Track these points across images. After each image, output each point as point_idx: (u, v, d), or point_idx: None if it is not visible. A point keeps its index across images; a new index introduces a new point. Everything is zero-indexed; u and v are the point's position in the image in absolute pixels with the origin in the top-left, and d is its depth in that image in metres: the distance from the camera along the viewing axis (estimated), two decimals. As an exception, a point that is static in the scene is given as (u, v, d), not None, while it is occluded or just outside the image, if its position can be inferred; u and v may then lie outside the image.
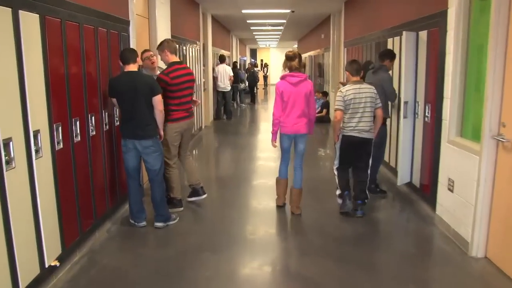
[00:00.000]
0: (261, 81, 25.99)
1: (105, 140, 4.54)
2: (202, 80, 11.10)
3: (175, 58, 5.03)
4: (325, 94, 13.10)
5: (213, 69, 12.88)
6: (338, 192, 5.15)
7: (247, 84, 18.89)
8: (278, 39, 26.45)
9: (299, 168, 5.04)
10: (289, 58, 4.81)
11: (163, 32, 6.95)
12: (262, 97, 22.96)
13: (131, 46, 5.35)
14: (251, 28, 17.22)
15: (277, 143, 5.11)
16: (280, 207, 5.25)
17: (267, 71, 31.21)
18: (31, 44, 3.11)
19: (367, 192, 5.00)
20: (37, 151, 3.19)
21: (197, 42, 10.43)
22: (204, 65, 11.61)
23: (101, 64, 4.41)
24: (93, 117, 4.22)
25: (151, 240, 4.47)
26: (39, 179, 3.19)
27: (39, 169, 3.20)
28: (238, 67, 20.14)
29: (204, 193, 5.46)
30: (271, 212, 5.25)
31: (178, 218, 4.85)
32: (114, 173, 4.81)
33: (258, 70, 24.34)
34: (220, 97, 13.16)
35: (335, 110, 4.83)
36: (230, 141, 10.33)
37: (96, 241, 4.28)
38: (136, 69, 4.44)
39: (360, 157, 4.90)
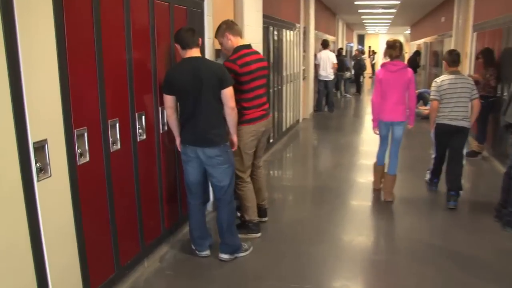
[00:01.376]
0: (368, 69, 24.09)
1: (161, 144, 3.56)
2: (302, 67, 9.90)
3: (242, 41, 3.92)
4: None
5: (315, 56, 11.60)
6: (427, 178, 5.50)
7: (352, 73, 17.33)
8: (388, 24, 24.27)
9: (394, 155, 5.06)
10: (390, 46, 4.87)
11: (252, 10, 5.85)
12: (368, 86, 21.15)
13: (206, 26, 4.32)
14: (359, 11, 15.57)
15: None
16: (376, 190, 5.33)
17: (374, 59, 29.05)
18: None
19: (461, 183, 4.91)
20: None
21: (296, 25, 9.23)
22: (304, 51, 10.40)
23: (157, 49, 3.40)
24: (142, 117, 3.25)
25: (212, 280, 3.40)
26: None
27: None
28: (344, 54, 18.61)
29: (266, 216, 4.35)
30: (368, 252, 3.99)
31: (251, 248, 3.75)
32: (174, 186, 3.83)
33: (365, 58, 22.50)
34: (322, 87, 11.85)
35: (430, 100, 4.99)
36: (330, 139, 9.03)
37: (143, 273, 3.32)
38: (199, 54, 3.38)
39: (453, 146, 4.92)
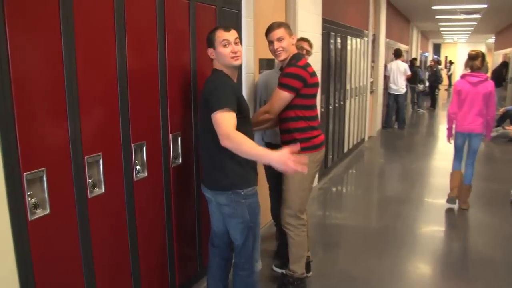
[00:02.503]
0: (444, 81, 22.30)
1: (173, 180, 2.75)
2: (370, 80, 8.84)
3: (296, 50, 3.15)
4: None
5: (385, 66, 10.46)
6: None
7: (427, 85, 15.87)
8: (469, 32, 22.37)
9: (470, 165, 5.07)
10: (471, 57, 4.80)
11: (308, 13, 4.96)
12: (444, 99, 19.44)
13: (245, 32, 3.48)
14: (437, 17, 14.16)
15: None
16: (451, 200, 5.18)
17: (451, 70, 27.02)
18: None
19: None
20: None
21: (365, 32, 8.20)
22: (373, 62, 9.32)
23: (168, 55, 2.60)
24: (143, 148, 2.46)
25: None
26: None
27: None
28: (418, 65, 17.16)
29: (310, 271, 3.44)
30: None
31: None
32: (192, 230, 3.00)
33: (441, 68, 20.80)
34: (392, 101, 10.67)
35: None
36: (398, 164, 7.86)
37: None
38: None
39: None
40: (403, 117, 10.87)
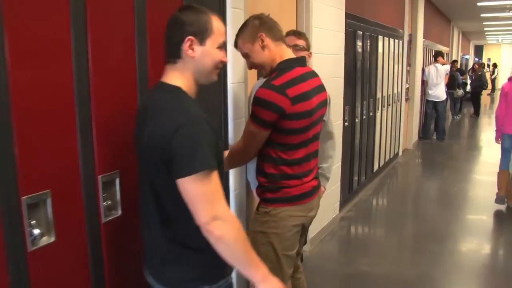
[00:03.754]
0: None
1: (106, 243, 1.85)
2: (405, 86, 7.76)
3: (288, 52, 2.08)
4: None
5: (422, 71, 9.34)
6: None
7: (467, 89, 14.53)
8: (516, 32, 20.77)
9: None
10: None
11: (326, 5, 4.00)
12: (487, 105, 17.98)
13: (230, 28, 2.55)
14: (482, 15, 12.86)
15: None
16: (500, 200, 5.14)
17: (494, 73, 25.29)
18: None
19: None
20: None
21: (400, 31, 7.15)
22: (409, 65, 8.24)
23: (93, 58, 1.71)
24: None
25: None
26: None
27: None
28: (458, 67, 15.85)
29: None
30: None
31: None
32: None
33: (486, 71, 19.31)
34: (430, 109, 9.52)
35: None
36: (437, 184, 6.75)
37: None
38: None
39: None
40: (443, 127, 9.70)
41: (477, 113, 14.33)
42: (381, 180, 6.42)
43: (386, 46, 6.15)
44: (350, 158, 5.04)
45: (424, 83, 9.39)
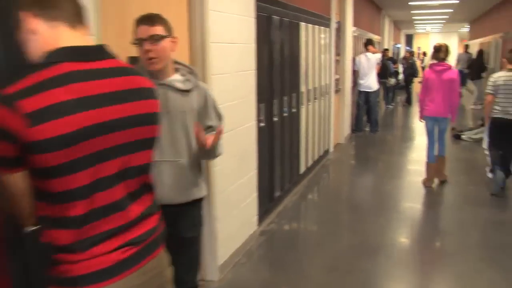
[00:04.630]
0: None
1: None
2: (334, 77, 7.23)
3: (78, 37, 1.26)
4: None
5: (353, 60, 8.89)
6: (488, 169, 5.73)
7: (401, 78, 14.41)
8: (443, 21, 21.08)
9: (442, 141, 5.52)
10: (437, 50, 5.44)
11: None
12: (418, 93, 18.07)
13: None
14: (410, 3, 12.68)
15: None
16: (427, 188, 5.52)
17: (424, 61, 25.77)
18: None
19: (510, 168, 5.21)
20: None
21: (326, 18, 6.58)
22: (338, 55, 7.73)
23: None
24: None
25: None
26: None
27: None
28: (390, 56, 15.71)
29: None
30: None
31: None
32: None
33: (416, 60, 19.42)
34: (362, 101, 9.11)
35: (485, 94, 5.34)
36: (371, 182, 6.31)
37: None
38: None
39: (507, 139, 5.14)
40: (376, 118, 9.33)
41: (409, 101, 14.24)
42: (310, 182, 5.84)
43: (310, 34, 5.55)
44: (269, 163, 4.39)
45: (355, 73, 8.95)
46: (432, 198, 5.53)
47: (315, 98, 5.90)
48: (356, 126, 9.24)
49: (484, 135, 5.78)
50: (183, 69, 2.21)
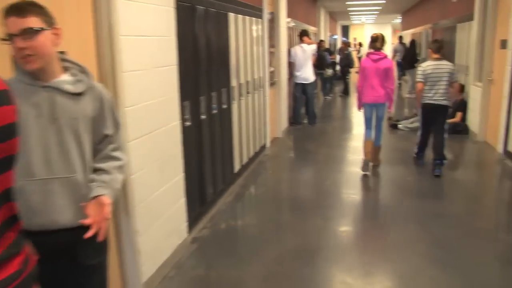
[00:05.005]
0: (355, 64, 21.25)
1: None
2: (269, 70, 7.01)
3: None
4: (461, 88, 8.39)
5: (288, 52, 8.72)
6: (415, 152, 6.23)
7: (338, 69, 14.49)
8: (377, 12, 21.49)
9: (379, 130, 5.82)
10: (373, 40, 5.71)
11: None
12: (356, 83, 18.29)
13: None
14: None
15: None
16: (365, 167, 5.79)
17: (360, 52, 26.24)
18: None
19: (444, 153, 5.64)
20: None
21: (258, 9, 6.33)
22: (272, 47, 7.51)
23: None
24: None
25: None
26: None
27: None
28: (327, 47, 15.76)
29: None
30: None
31: None
32: None
33: (352, 51, 19.65)
34: (299, 93, 8.98)
35: (416, 82, 5.72)
36: (309, 177, 6.17)
37: None
38: None
39: (437, 122, 5.63)
40: (313, 110, 9.23)
41: (346, 92, 14.34)
42: (246, 180, 5.59)
43: (240, 26, 5.27)
44: (198, 164, 4.09)
45: (291, 65, 8.79)
46: (371, 192, 5.46)
47: (248, 93, 5.64)
48: (294, 119, 9.10)
49: (419, 123, 6.01)
50: (74, 68, 1.86)
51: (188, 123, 3.77)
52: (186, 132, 3.73)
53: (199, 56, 4.05)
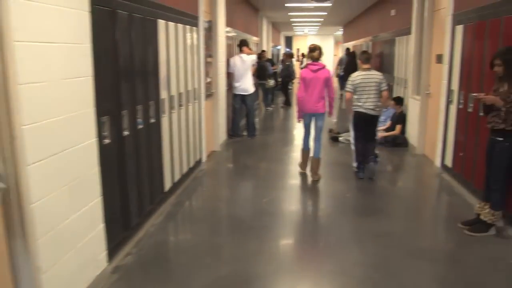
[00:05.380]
0: (298, 75, 21.33)
1: None
2: (205, 80, 6.70)
3: None
4: (400, 101, 8.45)
5: (228, 62, 8.45)
6: (354, 164, 6.21)
7: (278, 80, 14.39)
8: (319, 24, 21.75)
9: (317, 140, 5.98)
10: (311, 50, 5.88)
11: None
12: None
13: None
14: (286, 5, 12.63)
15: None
16: (303, 173, 6.19)
17: (303, 63, 26.49)
18: None
19: (376, 152, 6.00)
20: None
21: (193, 16, 6.01)
22: (210, 56, 7.22)
23: None
24: None
25: None
26: None
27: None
28: (269, 58, 15.68)
29: None
30: None
31: None
32: None
33: (295, 61, 19.71)
34: (238, 104, 8.73)
35: (346, 91, 5.97)
36: (245, 198, 5.89)
37: None
38: None
39: (368, 129, 5.91)
40: (253, 122, 9.00)
41: (288, 102, 14.27)
42: (179, 198, 5.23)
43: (172, 34, 4.93)
44: (120, 185, 3.70)
45: (230, 76, 8.52)
46: (311, 210, 5.26)
47: (180, 105, 5.29)
48: (233, 131, 8.83)
49: (351, 130, 6.28)
50: None
51: (107, 141, 3.38)
52: (105, 151, 3.35)
53: (121, 66, 3.68)
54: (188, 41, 5.62)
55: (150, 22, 4.34)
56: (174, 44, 5.02)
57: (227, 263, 3.81)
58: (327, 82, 5.76)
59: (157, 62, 4.50)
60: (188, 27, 5.61)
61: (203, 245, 4.11)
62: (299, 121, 6.07)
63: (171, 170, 5.03)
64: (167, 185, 4.91)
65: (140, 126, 4.05)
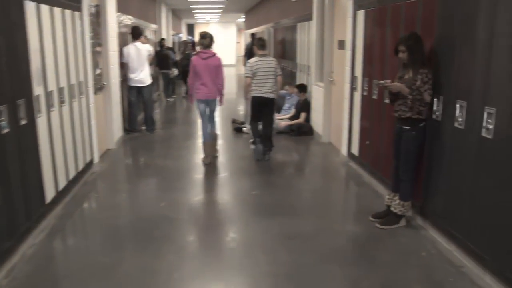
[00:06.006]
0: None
1: None
2: (93, 72, 5.99)
3: None
4: (303, 88, 8.31)
5: (121, 51, 7.74)
6: (251, 141, 6.69)
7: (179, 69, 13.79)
8: (220, 11, 21.33)
9: (211, 121, 6.18)
10: (202, 37, 5.99)
11: None
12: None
13: None
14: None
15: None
16: (207, 165, 6.13)
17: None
18: None
19: (272, 141, 6.35)
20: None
21: (77, 0, 5.27)
22: (99, 45, 6.49)
23: None
24: None
25: None
26: None
27: None
28: (170, 46, 15.01)
29: None
30: None
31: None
32: None
33: (198, 50, 19.12)
34: (134, 96, 8.07)
35: (245, 77, 6.20)
36: (143, 203, 5.31)
37: None
38: None
39: (265, 113, 6.23)
40: (151, 116, 8.39)
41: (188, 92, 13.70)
42: (66, 209, 4.56)
43: (46, 19, 4.21)
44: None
45: (124, 66, 7.82)
46: (214, 213, 4.83)
47: (62, 102, 4.60)
48: (130, 126, 8.17)
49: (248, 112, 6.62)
50: None
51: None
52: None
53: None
54: (69, 28, 4.91)
55: (14, 5, 3.62)
56: (50, 31, 4.31)
57: (120, 286, 3.28)
58: (217, 69, 5.89)
59: (27, 53, 3.79)
60: (68, 11, 4.89)
61: (94, 266, 3.52)
62: (192, 103, 6.29)
63: (54, 177, 4.34)
64: (49, 195, 4.22)
65: (6, 131, 3.34)
